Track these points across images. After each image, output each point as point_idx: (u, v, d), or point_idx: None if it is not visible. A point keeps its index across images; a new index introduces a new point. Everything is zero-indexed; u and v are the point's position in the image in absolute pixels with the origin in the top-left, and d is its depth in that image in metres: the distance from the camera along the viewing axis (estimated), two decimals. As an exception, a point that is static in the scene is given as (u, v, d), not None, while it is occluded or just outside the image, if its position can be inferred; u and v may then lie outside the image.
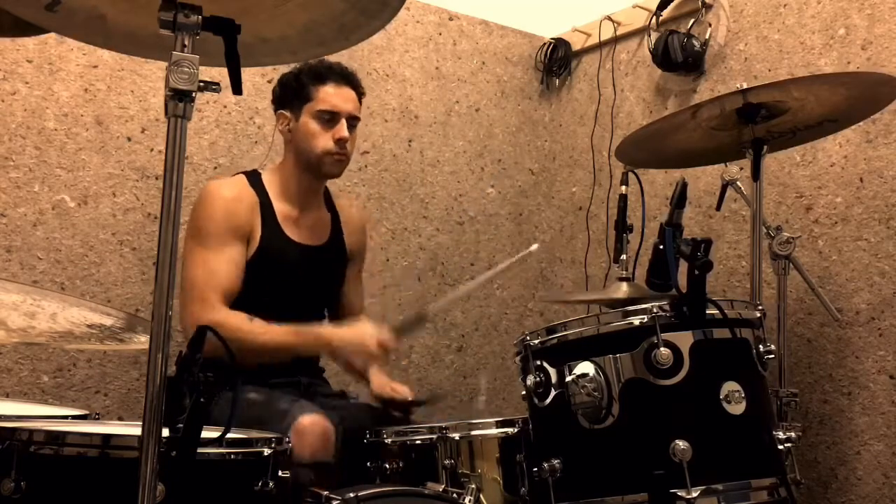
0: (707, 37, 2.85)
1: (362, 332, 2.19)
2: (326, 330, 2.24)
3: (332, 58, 2.84)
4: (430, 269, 3.19)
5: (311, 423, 1.93)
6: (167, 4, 1.20)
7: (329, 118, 2.28)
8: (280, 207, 2.30)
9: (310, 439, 1.90)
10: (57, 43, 2.52)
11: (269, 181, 2.33)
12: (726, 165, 2.39)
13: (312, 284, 2.36)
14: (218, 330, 2.01)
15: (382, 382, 2.37)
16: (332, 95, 2.28)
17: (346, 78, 2.33)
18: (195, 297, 2.14)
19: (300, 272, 2.30)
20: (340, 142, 2.28)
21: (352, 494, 1.58)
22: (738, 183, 2.31)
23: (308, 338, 2.18)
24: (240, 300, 2.20)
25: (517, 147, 3.44)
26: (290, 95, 2.31)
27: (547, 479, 1.74)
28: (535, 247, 2.43)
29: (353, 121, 2.31)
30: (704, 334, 1.69)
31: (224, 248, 2.18)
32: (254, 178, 2.32)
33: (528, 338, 1.82)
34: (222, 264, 2.16)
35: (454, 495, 1.75)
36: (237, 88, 1.26)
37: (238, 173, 2.36)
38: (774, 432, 1.72)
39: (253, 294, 2.22)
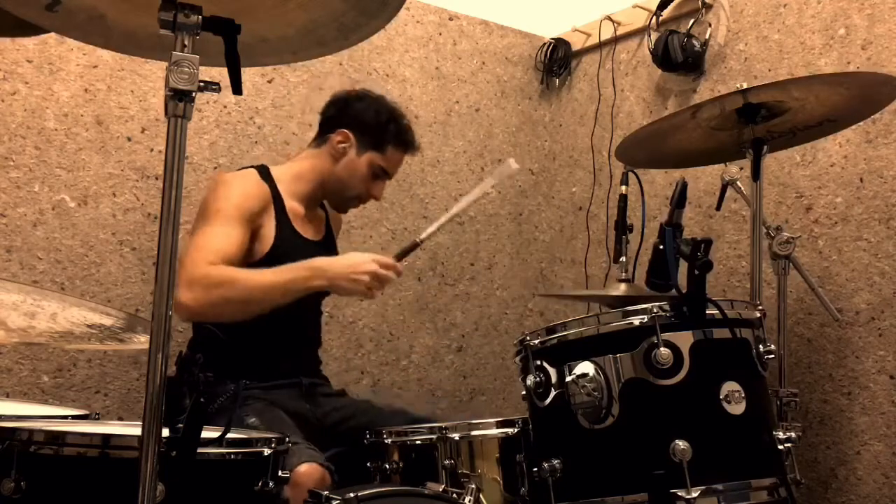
0: (707, 37, 2.85)
1: (358, 259, 2.12)
2: (319, 261, 2.12)
3: (331, 58, 2.87)
4: (430, 269, 3.19)
5: (307, 473, 1.87)
6: (167, 4, 1.20)
7: (379, 174, 2.36)
8: (290, 204, 2.32)
9: (305, 490, 1.80)
10: (57, 43, 2.52)
11: (280, 178, 2.32)
12: (726, 165, 2.39)
13: None
14: (208, 279, 2.03)
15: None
16: (397, 161, 2.39)
17: (414, 152, 2.43)
18: (191, 258, 2.08)
19: None
20: (371, 198, 2.40)
21: (352, 494, 1.58)
22: (738, 183, 2.31)
23: (300, 272, 2.09)
24: None
25: (517, 147, 3.44)
26: (368, 131, 2.33)
27: (547, 479, 1.74)
28: (512, 164, 2.39)
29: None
30: (704, 334, 1.69)
31: (231, 226, 2.15)
32: (264, 173, 2.32)
33: (528, 338, 1.82)
34: (225, 237, 2.12)
35: (454, 495, 1.75)
36: (237, 88, 1.26)
37: (247, 167, 2.36)
38: (774, 432, 1.72)
39: None
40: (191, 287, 2.00)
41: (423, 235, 2.27)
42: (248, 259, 2.20)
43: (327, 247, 2.44)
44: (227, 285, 2.03)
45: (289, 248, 2.26)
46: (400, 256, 2.22)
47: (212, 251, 2.07)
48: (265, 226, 2.24)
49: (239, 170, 2.37)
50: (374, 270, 2.09)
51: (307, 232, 2.36)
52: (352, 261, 2.12)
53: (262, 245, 2.23)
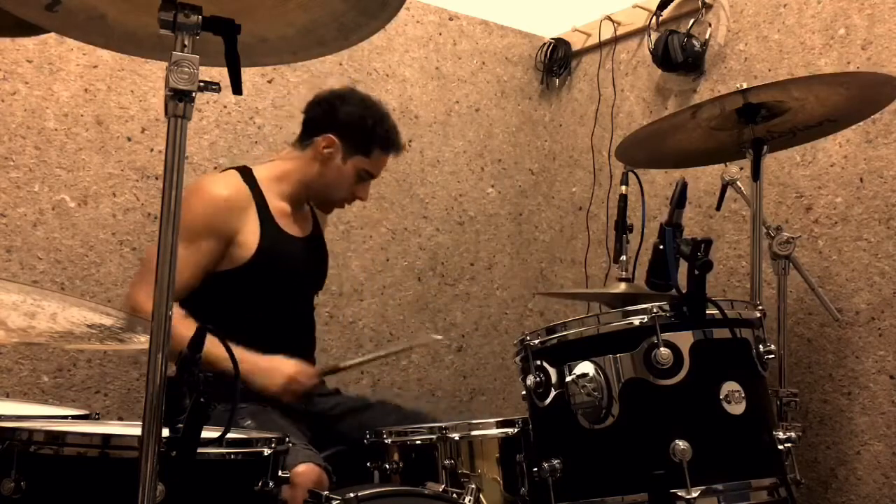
0: (707, 37, 2.85)
1: (278, 364, 2.12)
2: (241, 353, 1.88)
3: (332, 58, 2.87)
4: (430, 269, 3.19)
5: (304, 474, 1.86)
6: (167, 4, 1.20)
7: (365, 177, 2.36)
8: (274, 204, 2.31)
9: (304, 490, 1.81)
10: (57, 43, 2.52)
11: (264, 178, 2.32)
12: (726, 165, 2.39)
13: (309, 273, 2.44)
14: (139, 313, 2.05)
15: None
16: (381, 164, 2.38)
17: (399, 151, 2.41)
18: (143, 277, 2.16)
19: (299, 263, 2.35)
20: (355, 200, 2.40)
21: (352, 494, 1.58)
22: (738, 183, 2.31)
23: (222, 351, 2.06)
24: (245, 295, 2.22)
25: (517, 147, 3.44)
26: (354, 135, 2.31)
27: (547, 479, 1.74)
28: (438, 337, 2.43)
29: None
30: (704, 334, 1.69)
31: (194, 244, 2.13)
32: (246, 174, 2.32)
33: (528, 338, 1.82)
34: (184, 258, 2.06)
35: (454, 495, 1.75)
36: (237, 88, 1.26)
37: (228, 169, 2.37)
38: (774, 432, 1.72)
39: (258, 289, 2.24)
40: (138, 306, 2.10)
41: (348, 363, 2.33)
42: (228, 266, 2.20)
43: (314, 243, 2.46)
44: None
45: (276, 247, 2.27)
46: (322, 374, 2.25)
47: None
48: (244, 230, 2.22)
49: (223, 170, 2.38)
50: (286, 386, 2.12)
51: (294, 230, 2.36)
52: (272, 365, 2.12)
53: (244, 250, 2.21)
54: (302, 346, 2.39)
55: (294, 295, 2.35)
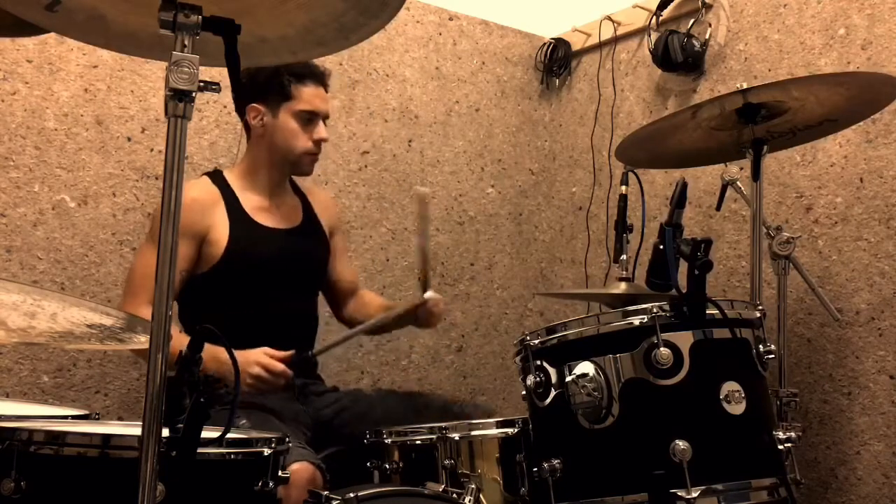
0: (707, 37, 2.85)
1: (246, 358, 2.05)
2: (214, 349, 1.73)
3: (332, 58, 2.87)
4: (429, 269, 3.18)
5: (298, 472, 1.82)
6: (167, 4, 1.20)
7: (308, 118, 2.32)
8: (248, 199, 2.33)
9: (297, 489, 1.78)
10: (57, 43, 2.52)
11: (233, 177, 2.35)
12: (726, 165, 2.39)
13: (295, 265, 2.39)
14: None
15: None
16: (313, 96, 2.32)
17: (323, 79, 2.36)
18: (129, 290, 2.22)
19: (279, 255, 2.33)
20: (319, 142, 2.34)
21: (352, 494, 1.58)
22: (738, 183, 2.31)
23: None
24: (227, 293, 2.23)
25: (517, 147, 3.44)
26: (266, 91, 2.30)
27: (547, 479, 1.74)
28: (430, 294, 2.34)
29: (325, 119, 2.37)
30: (704, 334, 1.70)
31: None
32: (216, 177, 2.35)
33: (528, 338, 1.82)
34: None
35: (454, 495, 1.75)
36: (237, 88, 1.26)
37: (202, 175, 2.39)
38: (774, 432, 1.72)
39: (237, 286, 2.25)
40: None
41: (318, 348, 2.26)
42: (205, 267, 2.23)
43: (305, 232, 2.43)
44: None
45: (248, 240, 2.27)
46: (292, 364, 2.15)
47: (147, 288, 2.10)
48: (215, 227, 2.25)
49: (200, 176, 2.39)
50: (258, 374, 2.07)
51: (272, 221, 2.35)
52: (241, 359, 2.05)
53: (216, 247, 2.24)
54: (296, 342, 2.36)
55: (278, 287, 2.32)
